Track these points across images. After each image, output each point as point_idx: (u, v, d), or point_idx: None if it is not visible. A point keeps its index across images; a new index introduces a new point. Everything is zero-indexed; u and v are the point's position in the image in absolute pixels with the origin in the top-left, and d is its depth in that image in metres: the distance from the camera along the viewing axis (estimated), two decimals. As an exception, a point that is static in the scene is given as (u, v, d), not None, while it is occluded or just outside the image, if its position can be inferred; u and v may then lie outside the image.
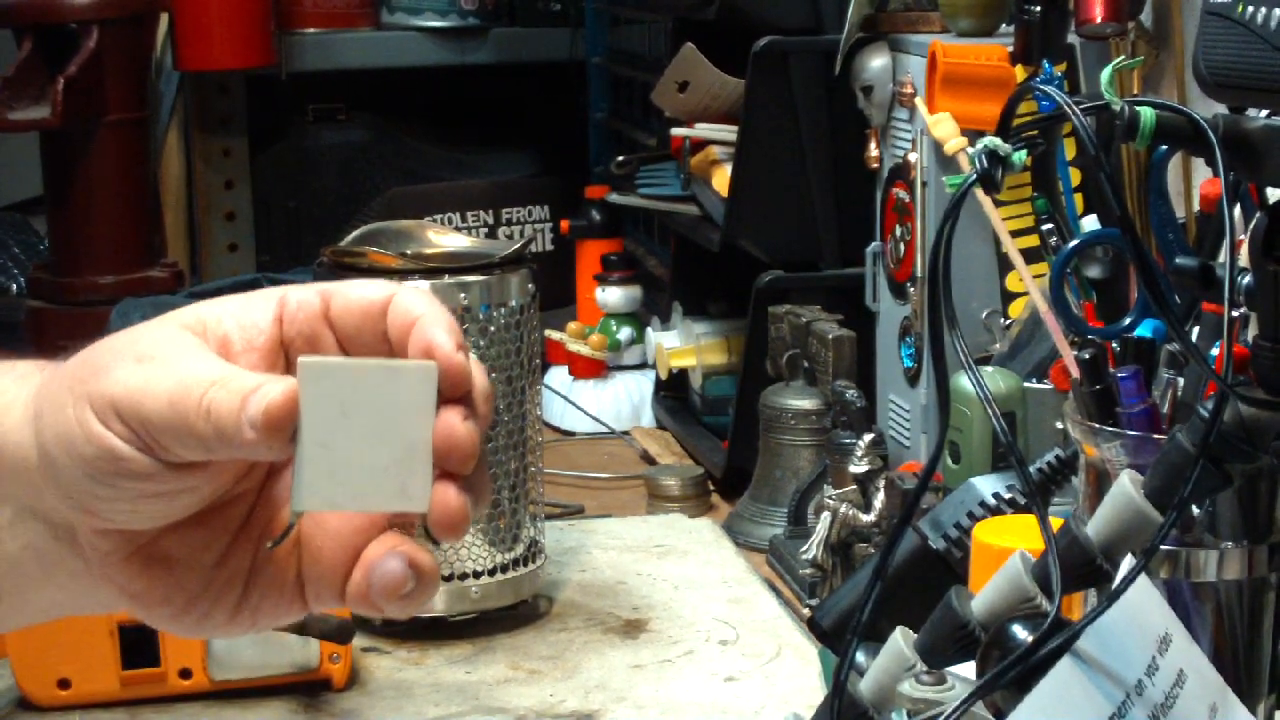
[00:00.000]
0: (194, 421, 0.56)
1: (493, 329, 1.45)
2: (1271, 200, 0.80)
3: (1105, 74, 0.82)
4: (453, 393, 0.57)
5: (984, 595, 0.75)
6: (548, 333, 2.13)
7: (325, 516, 0.61)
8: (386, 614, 0.61)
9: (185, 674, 1.34)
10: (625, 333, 2.20)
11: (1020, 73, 1.49)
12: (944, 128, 1.49)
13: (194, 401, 0.56)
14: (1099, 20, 1.41)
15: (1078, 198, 1.47)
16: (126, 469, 0.57)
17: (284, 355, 0.59)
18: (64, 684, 1.33)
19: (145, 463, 0.57)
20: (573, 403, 2.15)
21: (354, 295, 0.58)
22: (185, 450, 0.56)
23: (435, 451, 0.57)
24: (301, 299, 0.59)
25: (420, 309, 0.57)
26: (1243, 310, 0.84)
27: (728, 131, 1.89)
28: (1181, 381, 0.90)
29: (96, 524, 0.59)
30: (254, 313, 0.59)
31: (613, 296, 2.22)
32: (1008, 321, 1.54)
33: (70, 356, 0.59)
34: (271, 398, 0.55)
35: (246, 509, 0.62)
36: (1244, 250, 0.81)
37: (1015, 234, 1.45)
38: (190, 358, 0.57)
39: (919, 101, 1.56)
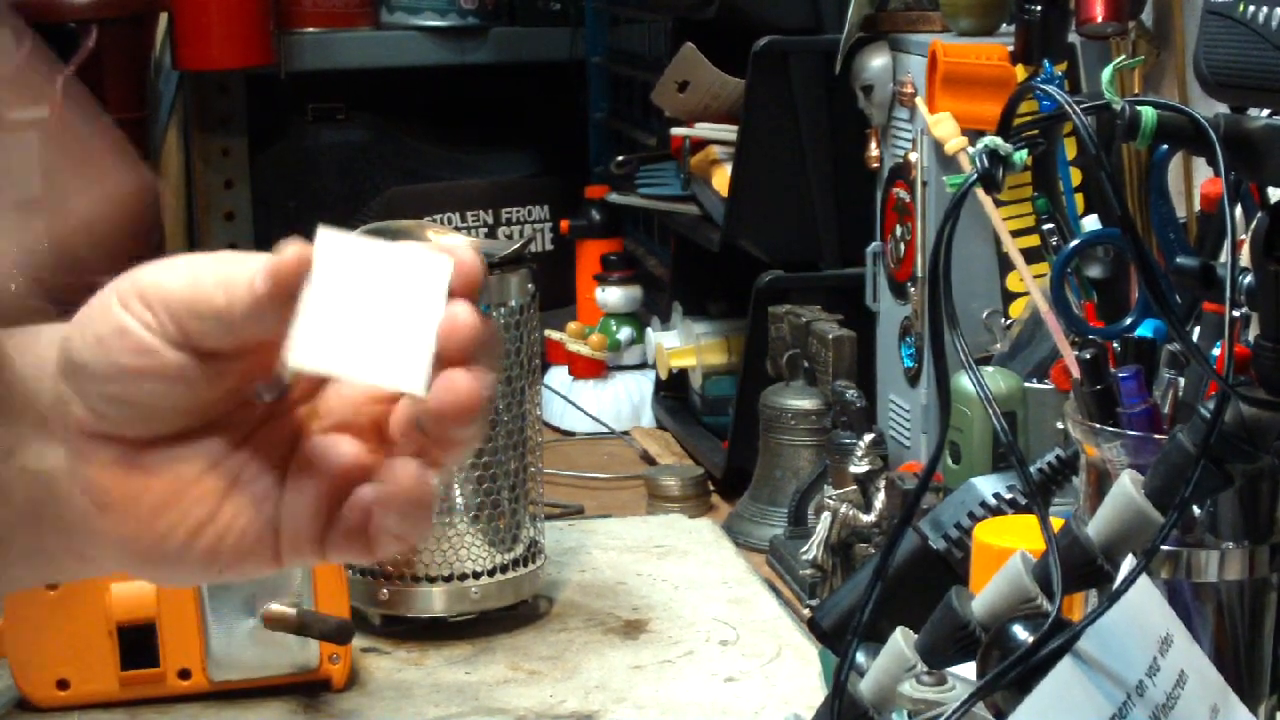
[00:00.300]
0: (209, 291, 0.58)
1: (492, 329, 1.44)
2: (1273, 200, 0.80)
3: (1106, 73, 0.81)
4: (465, 291, 0.59)
5: (984, 596, 0.75)
6: (548, 333, 2.13)
7: (315, 464, 0.61)
8: (373, 552, 0.61)
9: (184, 674, 1.34)
10: (625, 333, 2.20)
11: (1021, 72, 1.49)
12: (944, 127, 1.49)
13: (211, 274, 0.59)
14: (1100, 19, 1.40)
15: (1078, 197, 1.47)
16: (137, 345, 0.59)
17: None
18: (63, 684, 1.33)
19: (154, 343, 0.59)
20: (573, 403, 2.15)
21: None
22: (199, 324, 0.59)
23: (441, 332, 0.57)
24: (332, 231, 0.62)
25: (458, 246, 0.60)
26: (1244, 310, 0.84)
27: (728, 131, 1.89)
28: (1182, 381, 0.90)
29: (91, 426, 0.61)
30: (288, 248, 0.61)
31: (613, 296, 2.21)
32: (1008, 321, 1.54)
33: None
34: (282, 255, 0.58)
35: (237, 439, 0.63)
36: (1245, 250, 0.81)
37: (1016, 234, 1.45)
38: (216, 258, 0.60)
39: (919, 101, 1.56)
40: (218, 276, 0.59)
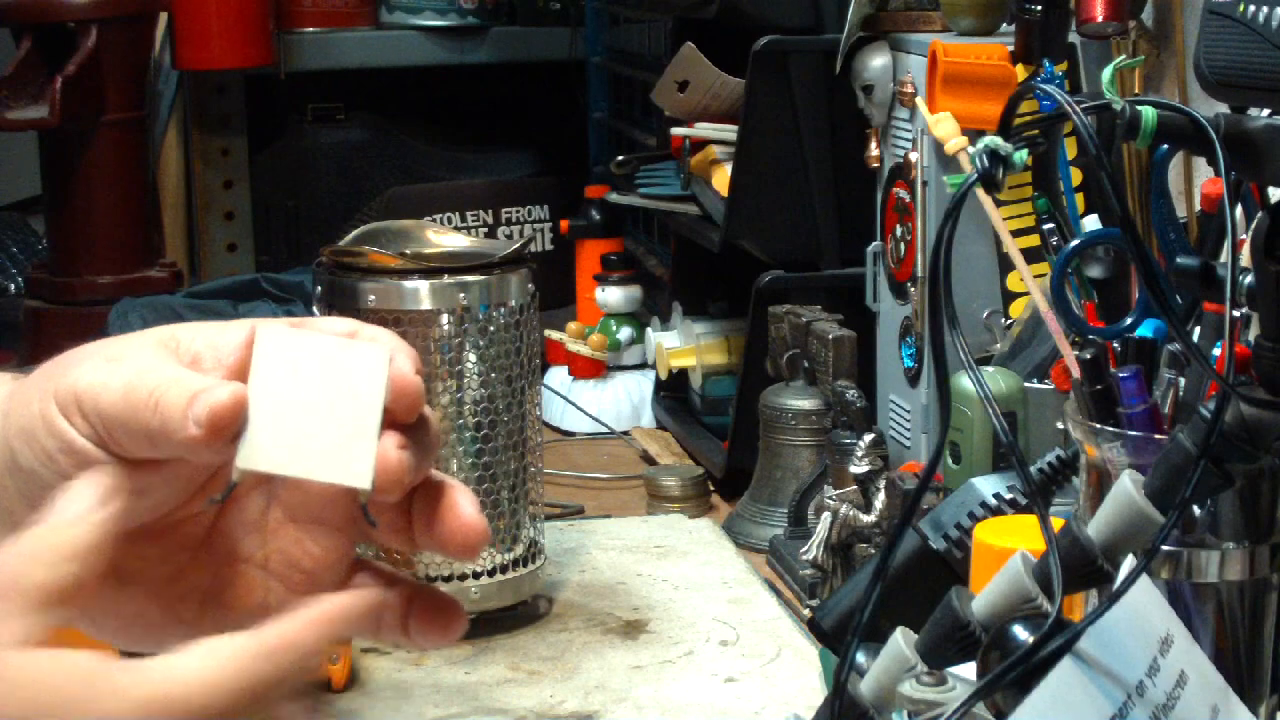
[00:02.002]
0: (143, 414, 0.57)
1: (492, 329, 1.45)
2: (1273, 200, 0.80)
3: (1106, 73, 0.81)
4: (404, 416, 0.58)
5: (985, 596, 0.75)
6: (547, 333, 2.13)
7: (301, 553, 0.61)
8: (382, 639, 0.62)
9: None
10: (625, 333, 2.20)
11: (1021, 72, 1.49)
12: (945, 127, 1.49)
13: (145, 394, 0.57)
14: (1100, 19, 1.40)
15: (1079, 197, 1.47)
16: (82, 461, 0.58)
17: (240, 368, 0.60)
18: (62, 684, 1.33)
19: (100, 456, 0.58)
20: (572, 403, 2.15)
21: (322, 328, 0.60)
22: (135, 444, 0.57)
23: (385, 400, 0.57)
24: (274, 324, 0.60)
25: (382, 339, 0.59)
26: (1244, 310, 0.83)
27: (728, 131, 1.88)
28: (1183, 381, 0.90)
29: None
30: (226, 335, 0.60)
31: (613, 296, 2.21)
32: (1008, 321, 1.54)
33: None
34: (219, 398, 0.56)
35: (204, 528, 0.62)
36: (1245, 250, 0.81)
37: (1016, 233, 1.45)
38: (155, 361, 0.58)
39: (919, 101, 1.55)
40: (153, 396, 0.57)
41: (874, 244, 1.71)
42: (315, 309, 1.50)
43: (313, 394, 0.57)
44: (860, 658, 0.77)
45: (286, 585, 0.62)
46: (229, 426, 0.56)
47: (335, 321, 0.60)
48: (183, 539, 0.62)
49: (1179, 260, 0.86)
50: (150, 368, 0.58)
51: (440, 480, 0.60)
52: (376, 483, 0.57)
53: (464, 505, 0.60)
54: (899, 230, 1.64)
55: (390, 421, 0.57)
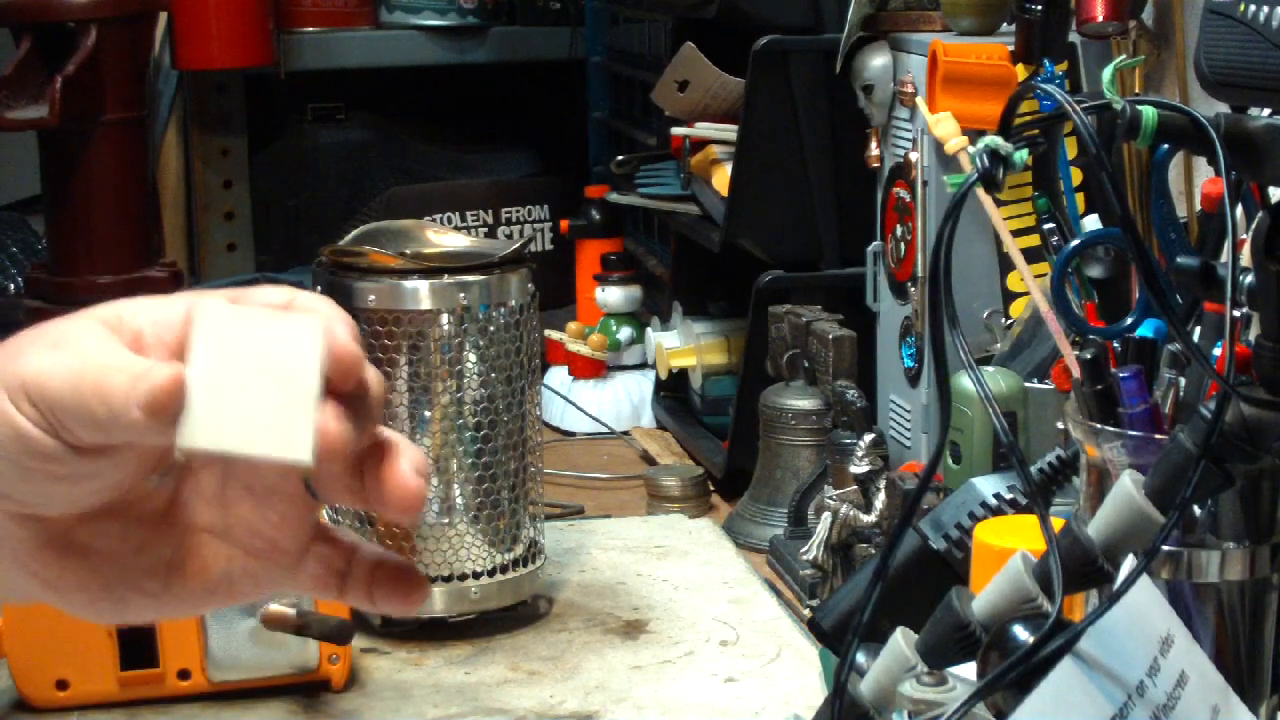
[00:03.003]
0: (89, 401, 0.57)
1: (492, 329, 1.45)
2: (1273, 199, 0.80)
3: (1107, 73, 0.81)
4: (343, 384, 0.58)
5: (985, 596, 0.75)
6: (547, 333, 2.13)
7: (261, 521, 0.61)
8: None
9: (184, 675, 1.34)
10: (625, 333, 2.20)
11: (1021, 72, 1.49)
12: (945, 127, 1.49)
13: (90, 382, 0.57)
14: (1100, 19, 1.40)
15: (1079, 197, 1.47)
16: (33, 449, 0.58)
17: (179, 348, 0.60)
18: (62, 685, 1.33)
19: (50, 444, 0.58)
20: (573, 403, 2.15)
21: (259, 298, 0.61)
22: (83, 430, 0.58)
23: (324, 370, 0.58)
24: (211, 301, 0.61)
25: (319, 309, 0.60)
26: (1244, 310, 0.83)
27: (728, 131, 1.88)
28: (1183, 381, 0.90)
29: (10, 508, 0.61)
30: (168, 311, 0.60)
31: (613, 296, 2.21)
32: (1009, 321, 1.54)
33: None
34: (157, 380, 0.57)
35: (164, 501, 0.63)
36: (1246, 250, 0.81)
37: (1016, 233, 1.45)
38: (98, 345, 0.59)
39: (920, 101, 1.55)
40: (97, 382, 0.57)
41: (874, 244, 1.71)
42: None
43: (251, 369, 0.57)
44: (860, 658, 0.77)
45: (249, 553, 0.63)
46: (169, 407, 0.57)
47: (271, 291, 0.61)
48: (142, 514, 0.63)
49: (1179, 260, 0.86)
50: (93, 352, 0.58)
51: (385, 439, 0.61)
52: (318, 454, 0.57)
53: (401, 467, 0.60)
54: (899, 230, 1.64)
55: (331, 390, 0.58)
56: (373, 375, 0.60)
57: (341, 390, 0.58)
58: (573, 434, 2.13)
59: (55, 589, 0.63)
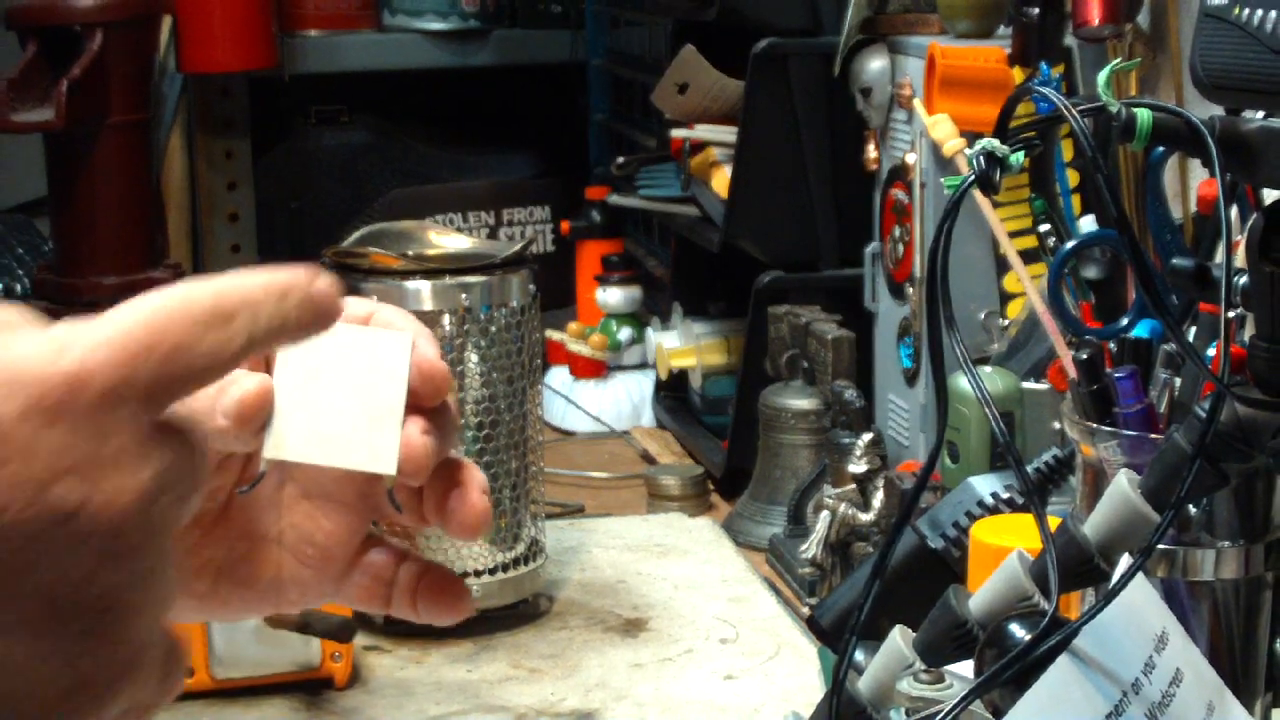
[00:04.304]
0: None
1: (493, 329, 1.45)
2: (1268, 201, 0.81)
3: (1102, 76, 0.82)
4: (429, 400, 0.58)
5: (982, 594, 0.75)
6: (548, 333, 2.14)
7: (315, 528, 0.62)
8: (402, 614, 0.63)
9: (188, 672, 1.34)
10: (625, 333, 2.21)
11: (1018, 74, 1.49)
12: (942, 129, 1.50)
13: None
14: (1096, 22, 1.41)
15: (1075, 199, 1.48)
16: None
17: (265, 360, 0.61)
18: (67, 683, 1.34)
19: None
20: (573, 403, 2.15)
21: (344, 311, 0.60)
22: None
23: (410, 384, 0.58)
24: None
25: (402, 323, 0.60)
26: (1239, 310, 0.84)
27: (727, 133, 1.89)
28: (1178, 381, 0.91)
29: None
30: None
31: (613, 297, 2.22)
32: (1006, 322, 1.54)
33: None
34: (246, 389, 0.57)
35: (219, 505, 0.63)
36: (1240, 251, 0.81)
37: (1013, 235, 1.45)
38: None
39: (917, 103, 1.56)
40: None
41: (872, 245, 1.72)
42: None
43: (337, 381, 0.58)
44: (859, 655, 0.77)
45: (299, 559, 0.63)
46: (257, 417, 0.57)
47: (355, 302, 0.61)
48: (199, 516, 0.63)
49: (1174, 261, 0.87)
50: None
51: (453, 460, 0.61)
52: (401, 468, 0.58)
53: (472, 490, 0.61)
54: (897, 231, 1.65)
55: (413, 406, 0.58)
56: (451, 394, 0.60)
57: (425, 406, 0.59)
58: (573, 433, 2.14)
59: None
